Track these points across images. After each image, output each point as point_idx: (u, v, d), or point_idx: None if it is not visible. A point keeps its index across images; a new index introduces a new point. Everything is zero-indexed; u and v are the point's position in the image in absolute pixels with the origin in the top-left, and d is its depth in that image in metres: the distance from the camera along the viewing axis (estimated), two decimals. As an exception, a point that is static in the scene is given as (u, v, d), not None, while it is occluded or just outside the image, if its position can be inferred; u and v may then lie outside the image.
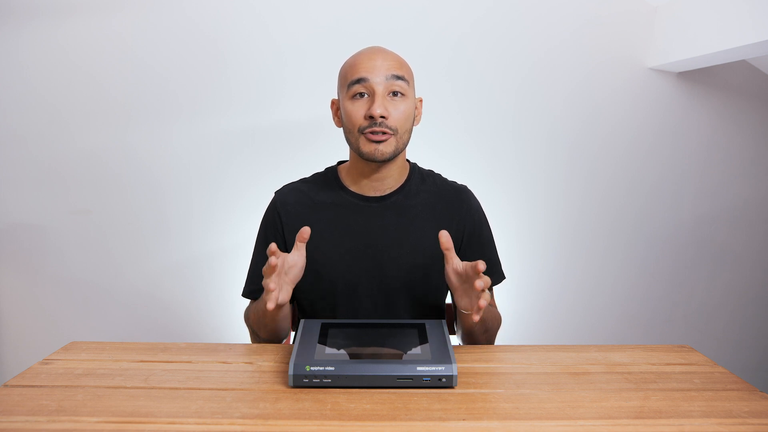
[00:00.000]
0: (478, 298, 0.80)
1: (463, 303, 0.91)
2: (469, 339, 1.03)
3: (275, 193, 1.13)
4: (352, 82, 0.98)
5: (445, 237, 0.88)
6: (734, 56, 1.76)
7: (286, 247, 1.08)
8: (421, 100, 1.09)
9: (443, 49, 1.94)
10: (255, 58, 1.90)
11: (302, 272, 0.93)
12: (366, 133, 0.98)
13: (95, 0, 1.83)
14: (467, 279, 0.88)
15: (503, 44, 1.96)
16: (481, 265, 0.80)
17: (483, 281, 0.79)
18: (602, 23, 1.97)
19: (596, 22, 1.96)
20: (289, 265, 0.89)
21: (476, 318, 0.81)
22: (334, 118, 1.08)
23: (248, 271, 1.13)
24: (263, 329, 1.00)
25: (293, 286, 0.92)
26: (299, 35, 1.90)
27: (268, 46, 1.90)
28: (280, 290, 0.87)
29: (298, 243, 0.89)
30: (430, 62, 1.92)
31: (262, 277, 1.10)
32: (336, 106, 1.07)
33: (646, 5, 1.96)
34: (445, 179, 1.15)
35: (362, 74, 0.97)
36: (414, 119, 1.05)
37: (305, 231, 0.87)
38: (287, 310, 1.00)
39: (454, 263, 0.89)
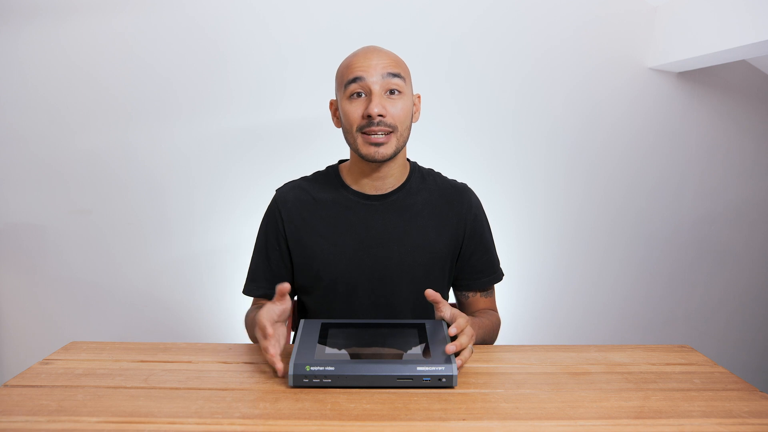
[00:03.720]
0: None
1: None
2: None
3: (276, 190, 1.13)
4: (349, 82, 0.99)
5: (431, 294, 0.86)
6: (734, 56, 1.76)
7: (287, 244, 1.08)
8: (419, 97, 1.09)
9: (443, 49, 1.94)
10: (255, 58, 1.90)
11: (289, 309, 0.91)
12: (365, 132, 0.98)
13: (96, 0, 1.83)
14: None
15: (503, 44, 1.95)
16: (452, 331, 0.81)
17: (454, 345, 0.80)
18: (602, 23, 1.97)
19: (596, 22, 1.96)
20: (279, 315, 0.87)
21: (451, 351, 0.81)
22: (333, 119, 1.08)
23: (249, 269, 1.13)
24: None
25: (286, 325, 0.91)
26: (299, 35, 1.90)
27: (268, 46, 1.90)
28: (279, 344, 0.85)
29: (279, 297, 0.85)
30: (430, 62, 1.92)
31: (262, 275, 1.10)
32: (334, 107, 1.07)
33: (646, 5, 1.96)
34: (446, 178, 1.16)
35: (358, 73, 0.98)
36: (413, 116, 1.05)
37: (285, 287, 0.84)
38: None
39: (444, 312, 0.87)
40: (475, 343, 0.98)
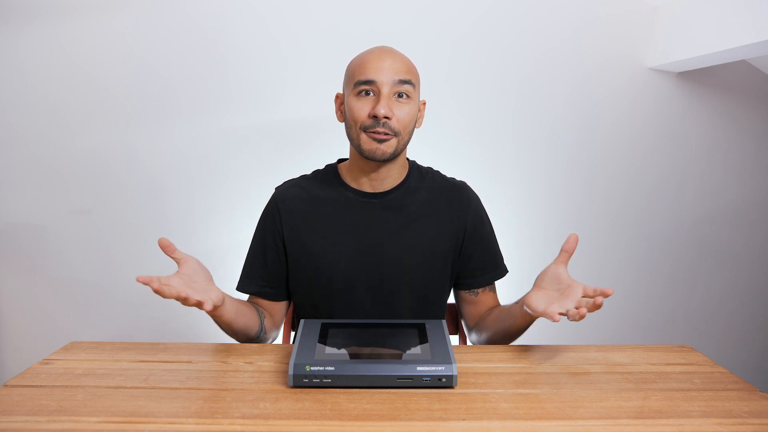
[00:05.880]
0: (579, 305, 0.82)
1: (539, 305, 0.90)
2: (493, 340, 1.06)
3: (275, 189, 1.13)
4: (359, 82, 0.99)
5: (573, 240, 0.92)
6: (734, 56, 1.76)
7: (284, 242, 1.08)
8: (424, 103, 1.09)
9: (443, 49, 1.94)
10: (255, 58, 1.90)
11: (206, 271, 0.94)
12: (368, 131, 0.98)
13: (95, 0, 1.83)
14: (565, 288, 0.89)
15: (503, 44, 1.96)
16: (609, 291, 0.82)
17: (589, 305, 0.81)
18: (602, 23, 1.97)
19: (596, 22, 1.96)
20: (189, 275, 0.90)
21: (583, 312, 0.81)
22: (336, 113, 1.08)
23: (244, 265, 1.13)
24: (229, 334, 1.02)
25: (213, 284, 0.93)
26: (299, 35, 1.90)
27: (269, 46, 1.90)
28: (202, 292, 0.87)
29: (165, 250, 0.91)
30: (430, 62, 1.92)
31: (257, 272, 1.10)
32: (340, 101, 1.07)
33: (646, 5, 1.96)
34: (444, 176, 1.15)
35: (370, 76, 0.98)
36: (416, 121, 1.05)
37: (163, 241, 0.90)
38: (238, 310, 0.99)
39: (561, 269, 0.92)
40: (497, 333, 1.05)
